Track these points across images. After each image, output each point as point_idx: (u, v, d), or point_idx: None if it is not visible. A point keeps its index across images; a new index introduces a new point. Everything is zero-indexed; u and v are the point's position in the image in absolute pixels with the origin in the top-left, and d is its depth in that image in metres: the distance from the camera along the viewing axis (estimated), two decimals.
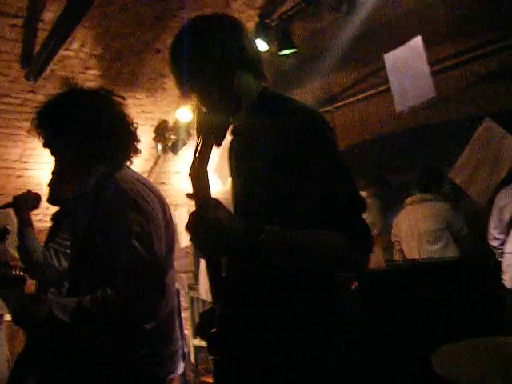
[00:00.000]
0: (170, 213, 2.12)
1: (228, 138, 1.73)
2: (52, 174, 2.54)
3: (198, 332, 1.77)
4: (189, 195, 1.47)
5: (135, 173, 2.12)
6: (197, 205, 1.43)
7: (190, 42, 1.65)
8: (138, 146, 2.16)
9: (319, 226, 1.44)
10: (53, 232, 3.22)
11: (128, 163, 2.13)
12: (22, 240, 3.02)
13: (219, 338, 1.54)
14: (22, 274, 3.41)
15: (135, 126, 2.16)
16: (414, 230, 4.71)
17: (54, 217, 3.30)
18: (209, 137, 1.46)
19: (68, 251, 2.92)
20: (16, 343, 5.25)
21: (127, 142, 2.13)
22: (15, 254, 3.85)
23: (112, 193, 1.96)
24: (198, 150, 1.45)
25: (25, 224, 3.04)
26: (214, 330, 1.55)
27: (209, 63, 1.61)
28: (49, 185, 3.04)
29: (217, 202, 1.48)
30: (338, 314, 1.56)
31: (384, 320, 2.55)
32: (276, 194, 1.52)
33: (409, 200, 4.84)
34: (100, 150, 2.04)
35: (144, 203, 1.94)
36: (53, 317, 1.79)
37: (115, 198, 1.94)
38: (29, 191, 3.11)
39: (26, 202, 3.06)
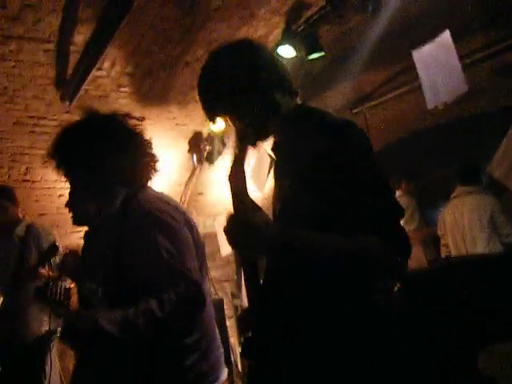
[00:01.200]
0: (197, 229, 2.14)
1: (268, 149, 1.77)
2: (70, 195, 2.64)
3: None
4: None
5: (158, 192, 2.17)
6: (234, 206, 1.46)
7: (209, 73, 1.73)
8: (157, 165, 2.20)
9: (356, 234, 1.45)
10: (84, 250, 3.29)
11: (147, 182, 2.18)
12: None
13: (253, 342, 1.56)
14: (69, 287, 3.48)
15: (152, 145, 2.21)
16: (459, 222, 4.67)
17: (84, 235, 3.37)
18: (245, 141, 1.48)
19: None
20: (67, 358, 5.35)
21: (145, 162, 2.17)
22: None
23: (137, 215, 2.00)
24: (236, 153, 1.49)
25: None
26: (249, 334, 1.57)
27: (230, 92, 1.66)
28: (66, 205, 3.13)
29: (254, 204, 1.51)
30: (380, 316, 1.56)
31: (429, 320, 2.52)
32: (313, 207, 1.52)
33: (454, 193, 4.80)
34: (118, 172, 2.08)
35: (171, 221, 1.98)
36: (99, 330, 1.82)
37: (141, 220, 1.98)
38: (66, 254, 3.18)
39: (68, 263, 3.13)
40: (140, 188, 2.13)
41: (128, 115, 2.22)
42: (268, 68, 1.70)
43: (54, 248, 3.40)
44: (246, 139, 1.52)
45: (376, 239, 1.42)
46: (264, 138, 1.74)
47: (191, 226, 2.09)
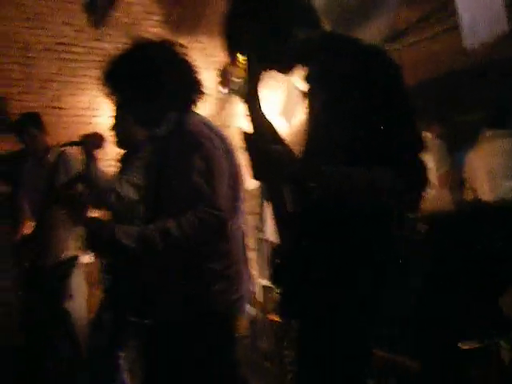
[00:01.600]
0: (236, 158, 2.16)
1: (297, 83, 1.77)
2: (116, 119, 2.67)
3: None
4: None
5: (203, 117, 2.20)
6: (254, 134, 1.49)
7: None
8: (203, 89, 2.21)
9: (376, 163, 1.46)
10: (121, 170, 3.37)
11: (194, 106, 2.20)
12: (88, 171, 3.20)
13: (283, 268, 1.59)
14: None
15: (199, 71, 2.22)
16: (488, 166, 4.60)
17: (121, 158, 3.44)
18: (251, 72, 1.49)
19: (132, 180, 3.06)
20: (93, 282, 5.51)
21: (193, 86, 2.18)
22: None
23: (180, 136, 2.06)
24: (248, 87, 1.49)
25: (90, 159, 3.21)
26: (278, 261, 1.60)
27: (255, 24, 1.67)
28: (113, 129, 3.20)
29: (276, 135, 1.52)
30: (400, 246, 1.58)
31: (452, 263, 2.53)
32: (339, 134, 1.52)
33: (482, 137, 4.71)
34: (168, 97, 2.10)
35: (208, 144, 2.02)
36: (117, 240, 1.92)
37: (181, 141, 2.05)
38: (95, 132, 3.27)
39: (92, 141, 3.24)
40: (188, 112, 2.17)
41: (172, 42, 2.22)
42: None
43: (78, 177, 3.50)
44: (252, 70, 1.52)
45: (389, 170, 1.44)
46: (277, 65, 1.75)
47: (231, 156, 2.12)
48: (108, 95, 2.20)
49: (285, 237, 1.62)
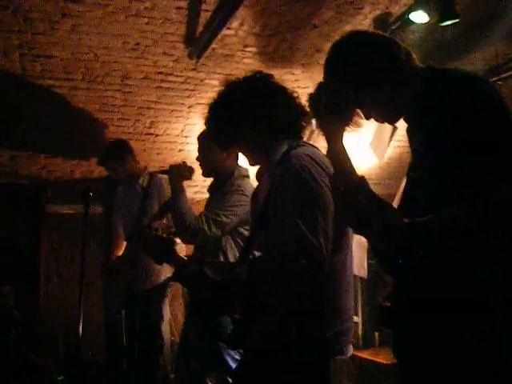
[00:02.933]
0: None
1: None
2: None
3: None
4: None
5: (311, 149, 2.10)
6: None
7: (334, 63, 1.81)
8: (306, 114, 2.20)
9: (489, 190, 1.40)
10: (208, 202, 3.44)
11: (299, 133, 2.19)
12: (175, 204, 3.27)
13: (393, 311, 1.56)
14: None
15: (299, 96, 2.21)
16: None
17: (210, 188, 3.51)
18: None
19: (219, 219, 3.11)
20: (175, 306, 5.62)
21: (298, 113, 2.18)
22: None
23: (285, 169, 1.99)
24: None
25: (178, 190, 3.29)
26: (388, 303, 1.57)
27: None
28: (197, 159, 3.29)
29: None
30: None
31: None
32: (447, 167, 1.50)
33: None
34: (274, 126, 2.12)
35: (311, 181, 1.92)
36: (203, 272, 1.92)
37: (285, 175, 1.97)
38: (184, 163, 3.36)
39: (180, 171, 3.32)
40: (299, 143, 2.12)
41: (263, 72, 2.25)
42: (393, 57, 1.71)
43: (168, 206, 3.59)
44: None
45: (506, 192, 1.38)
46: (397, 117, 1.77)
47: None
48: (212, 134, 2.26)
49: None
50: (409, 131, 1.79)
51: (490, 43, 5.01)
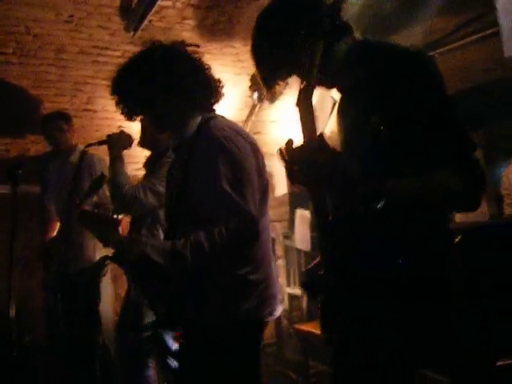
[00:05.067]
0: (264, 161, 2.14)
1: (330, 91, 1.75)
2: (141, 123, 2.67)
3: (306, 288, 1.80)
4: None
5: (228, 121, 2.18)
6: (304, 136, 1.43)
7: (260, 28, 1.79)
8: (221, 90, 2.18)
9: (427, 168, 1.42)
10: (145, 175, 3.38)
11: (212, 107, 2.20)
12: (113, 174, 3.20)
13: (326, 277, 1.56)
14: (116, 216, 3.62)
15: (211, 70, 2.22)
16: None
17: (147, 162, 3.45)
18: (313, 69, 1.45)
19: (155, 188, 3.06)
20: (119, 284, 5.54)
21: (210, 84, 2.18)
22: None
23: (205, 140, 2.03)
24: (305, 81, 1.46)
25: (116, 160, 3.22)
26: (321, 272, 1.57)
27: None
28: (139, 143, 3.21)
29: (321, 137, 1.49)
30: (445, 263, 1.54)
31: (487, 275, 2.46)
32: (381, 139, 1.50)
33: None
34: (185, 98, 2.08)
35: (235, 150, 1.98)
36: (147, 258, 1.87)
37: (207, 145, 2.01)
38: (122, 131, 3.28)
39: (119, 140, 3.24)
40: (213, 115, 2.15)
41: (185, 43, 2.21)
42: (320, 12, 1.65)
43: (101, 178, 3.50)
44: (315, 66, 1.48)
45: (453, 173, 1.41)
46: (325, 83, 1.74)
47: (257, 156, 2.09)
48: (117, 103, 2.18)
49: (324, 245, 1.59)
50: (341, 103, 1.79)
51: (427, 18, 5.07)
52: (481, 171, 1.45)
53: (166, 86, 2.07)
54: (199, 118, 2.13)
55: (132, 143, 3.31)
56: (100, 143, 3.37)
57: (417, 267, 1.49)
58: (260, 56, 1.78)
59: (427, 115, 1.46)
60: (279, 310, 2.14)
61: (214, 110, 2.22)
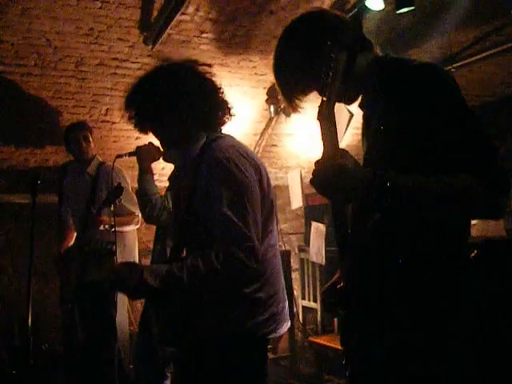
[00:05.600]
0: (269, 179, 2.14)
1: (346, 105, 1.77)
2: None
3: (325, 306, 1.80)
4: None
5: (234, 141, 2.17)
6: (325, 149, 1.45)
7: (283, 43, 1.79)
8: (230, 110, 2.21)
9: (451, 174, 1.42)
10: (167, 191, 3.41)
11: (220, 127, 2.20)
12: (141, 185, 3.25)
13: (346, 292, 1.56)
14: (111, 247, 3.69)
15: (223, 91, 2.21)
16: None
17: (170, 177, 3.47)
18: (336, 82, 1.45)
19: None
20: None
21: (220, 106, 2.18)
22: (130, 208, 4.09)
23: (208, 161, 2.04)
24: (327, 94, 1.46)
25: (145, 172, 3.26)
26: (341, 285, 1.57)
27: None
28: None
29: (344, 150, 1.49)
30: (461, 280, 1.53)
31: (504, 292, 2.43)
32: (404, 151, 1.51)
33: None
34: (193, 117, 2.11)
35: (237, 172, 1.98)
36: (145, 284, 1.87)
37: (210, 167, 2.01)
38: (151, 143, 3.30)
39: (148, 153, 3.27)
40: (218, 135, 2.15)
41: (197, 62, 2.23)
42: (341, 30, 1.67)
43: (118, 190, 3.54)
44: (338, 78, 1.49)
45: (478, 178, 1.39)
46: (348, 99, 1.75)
47: (261, 177, 2.08)
48: (130, 118, 2.20)
49: (344, 259, 1.59)
50: (364, 117, 1.80)
51: (445, 32, 5.06)
52: (506, 178, 1.43)
53: (174, 103, 2.08)
54: (204, 138, 2.15)
55: (160, 156, 3.33)
56: (130, 154, 3.40)
57: (430, 282, 1.49)
58: (281, 69, 1.79)
59: (450, 124, 1.46)
60: (286, 327, 2.13)
61: (220, 130, 2.22)
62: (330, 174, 1.40)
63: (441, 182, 1.42)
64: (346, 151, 1.54)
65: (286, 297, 2.20)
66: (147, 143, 3.33)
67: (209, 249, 1.91)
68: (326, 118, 1.46)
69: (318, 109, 1.48)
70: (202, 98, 2.12)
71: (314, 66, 1.66)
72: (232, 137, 2.19)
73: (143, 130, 2.22)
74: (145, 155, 3.29)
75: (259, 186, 2.05)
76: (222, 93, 2.20)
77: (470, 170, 1.40)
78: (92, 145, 4.30)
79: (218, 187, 1.95)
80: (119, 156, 3.39)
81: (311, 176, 1.44)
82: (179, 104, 2.09)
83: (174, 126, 2.13)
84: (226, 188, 1.95)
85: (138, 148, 3.32)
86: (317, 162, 1.45)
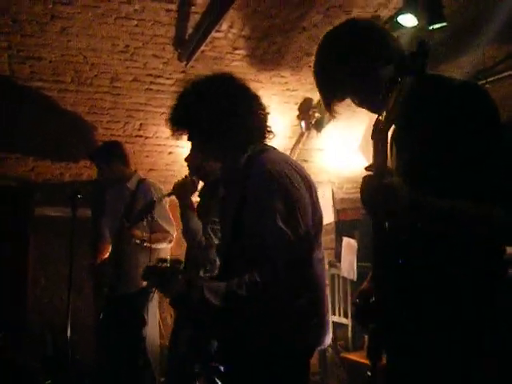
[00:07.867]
0: (317, 193, 2.14)
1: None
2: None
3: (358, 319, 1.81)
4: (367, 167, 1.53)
5: (281, 153, 2.17)
6: (375, 169, 1.48)
7: (324, 53, 1.82)
8: (272, 129, 2.20)
9: (480, 199, 1.44)
10: (204, 209, 3.40)
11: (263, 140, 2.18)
12: (186, 223, 3.23)
13: (379, 306, 1.57)
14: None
15: (267, 109, 2.21)
16: None
17: (201, 193, 3.48)
18: (396, 105, 1.47)
19: (218, 226, 3.08)
20: (164, 308, 5.60)
21: (264, 121, 2.18)
22: (165, 226, 4.11)
23: (258, 174, 2.01)
24: (385, 116, 1.48)
25: (187, 208, 3.25)
26: (373, 299, 1.58)
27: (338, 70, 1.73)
28: (186, 160, 3.25)
29: (391, 169, 1.52)
30: (495, 298, 1.53)
31: None
32: (435, 171, 1.53)
33: None
34: (238, 131, 2.09)
35: (289, 185, 1.97)
36: (205, 301, 1.88)
37: (261, 180, 1.99)
38: (186, 177, 3.30)
39: (185, 188, 3.27)
40: (264, 148, 2.14)
41: (233, 75, 2.24)
42: (379, 44, 1.71)
43: (152, 203, 3.57)
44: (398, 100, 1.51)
45: (505, 209, 1.41)
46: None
47: (311, 190, 2.08)
48: (173, 133, 2.22)
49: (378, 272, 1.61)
50: (396, 134, 1.80)
51: (477, 47, 5.04)
52: None
53: (223, 112, 2.08)
54: (249, 150, 2.13)
55: (197, 186, 3.35)
56: (169, 195, 3.45)
57: (467, 299, 1.49)
58: (323, 75, 1.81)
59: (485, 150, 1.48)
60: (329, 339, 2.13)
61: (263, 141, 2.20)
62: (379, 191, 1.43)
63: (469, 206, 1.45)
64: (393, 170, 1.57)
65: (330, 309, 2.21)
66: (183, 178, 3.34)
67: (260, 264, 1.90)
68: (381, 139, 1.48)
69: (373, 127, 1.50)
70: (248, 108, 2.11)
71: (355, 76, 1.69)
72: (277, 149, 2.17)
73: (191, 139, 2.24)
74: (182, 192, 3.30)
75: (309, 200, 2.06)
76: (263, 103, 2.20)
77: (499, 200, 1.42)
78: (117, 166, 4.34)
79: (270, 200, 1.93)
80: (161, 197, 3.46)
81: (359, 190, 1.49)
82: (227, 112, 2.08)
83: (220, 135, 2.11)
84: (278, 201, 1.93)
85: (175, 185, 3.33)
86: (365, 178, 1.49)
